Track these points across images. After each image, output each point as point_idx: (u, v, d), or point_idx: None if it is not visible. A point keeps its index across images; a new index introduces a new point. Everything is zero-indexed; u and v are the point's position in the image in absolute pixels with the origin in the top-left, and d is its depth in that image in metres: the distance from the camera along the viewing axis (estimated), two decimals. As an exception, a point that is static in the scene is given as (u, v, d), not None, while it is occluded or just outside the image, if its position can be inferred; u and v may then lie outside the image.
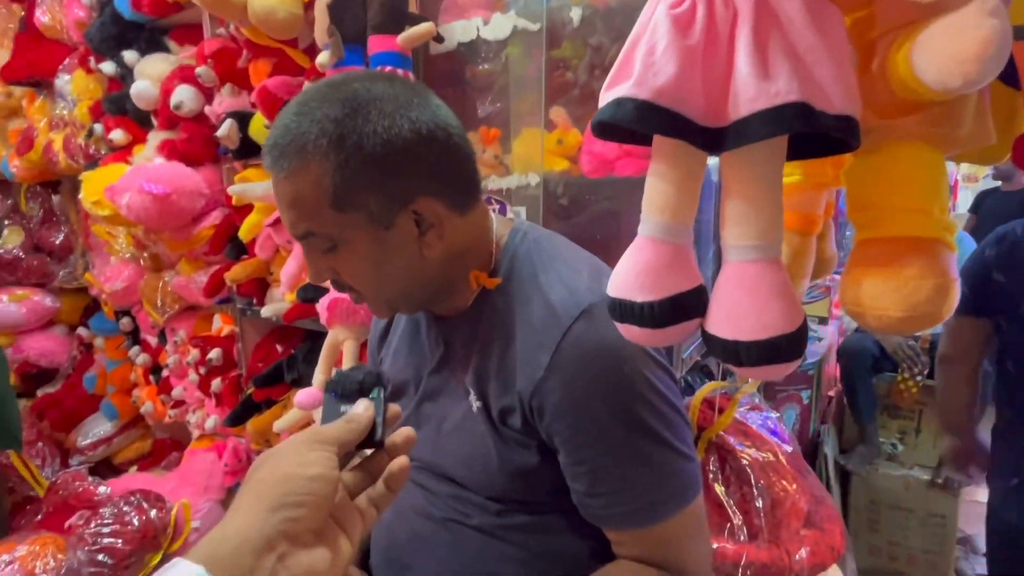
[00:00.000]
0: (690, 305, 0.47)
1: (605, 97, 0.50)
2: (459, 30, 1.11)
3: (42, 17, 2.03)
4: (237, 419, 1.67)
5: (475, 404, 0.72)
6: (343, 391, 0.53)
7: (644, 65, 0.45)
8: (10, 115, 2.32)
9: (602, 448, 0.65)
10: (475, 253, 0.72)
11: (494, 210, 1.12)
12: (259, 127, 1.42)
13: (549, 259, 0.73)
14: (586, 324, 0.65)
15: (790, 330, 0.44)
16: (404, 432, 0.54)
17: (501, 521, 0.72)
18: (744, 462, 1.02)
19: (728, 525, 1.00)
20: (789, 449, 1.07)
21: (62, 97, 2.08)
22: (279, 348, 1.70)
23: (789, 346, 0.44)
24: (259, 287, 1.66)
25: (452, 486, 0.76)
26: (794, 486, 1.01)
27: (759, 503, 0.99)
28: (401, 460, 0.51)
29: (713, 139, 0.46)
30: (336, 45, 1.01)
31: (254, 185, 1.44)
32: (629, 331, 0.49)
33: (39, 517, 1.63)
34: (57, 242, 2.38)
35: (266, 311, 1.53)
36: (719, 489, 1.03)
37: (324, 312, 1.20)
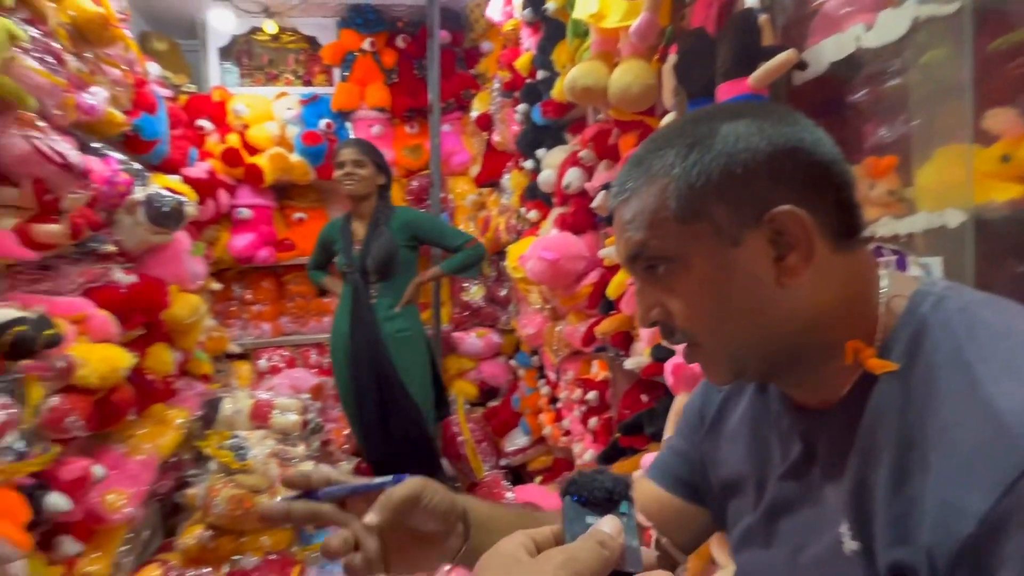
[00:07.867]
0: None
1: None
2: (831, 48, 0.81)
3: (495, 137, 2.57)
4: (607, 458, 1.63)
5: (849, 543, 0.45)
6: (590, 498, 0.40)
7: None
8: (480, 208, 3.00)
9: None
10: (854, 313, 0.47)
11: (887, 264, 0.76)
12: (624, 195, 1.39)
13: (990, 339, 0.42)
14: None
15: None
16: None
17: None
18: None
19: None
20: None
21: (505, 191, 2.56)
22: (644, 398, 1.60)
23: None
24: (626, 339, 1.61)
25: None
26: None
27: None
28: None
29: None
30: (680, 106, 0.86)
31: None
32: None
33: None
34: (502, 294, 2.93)
35: (629, 363, 1.47)
36: None
37: (669, 376, 1.04)
